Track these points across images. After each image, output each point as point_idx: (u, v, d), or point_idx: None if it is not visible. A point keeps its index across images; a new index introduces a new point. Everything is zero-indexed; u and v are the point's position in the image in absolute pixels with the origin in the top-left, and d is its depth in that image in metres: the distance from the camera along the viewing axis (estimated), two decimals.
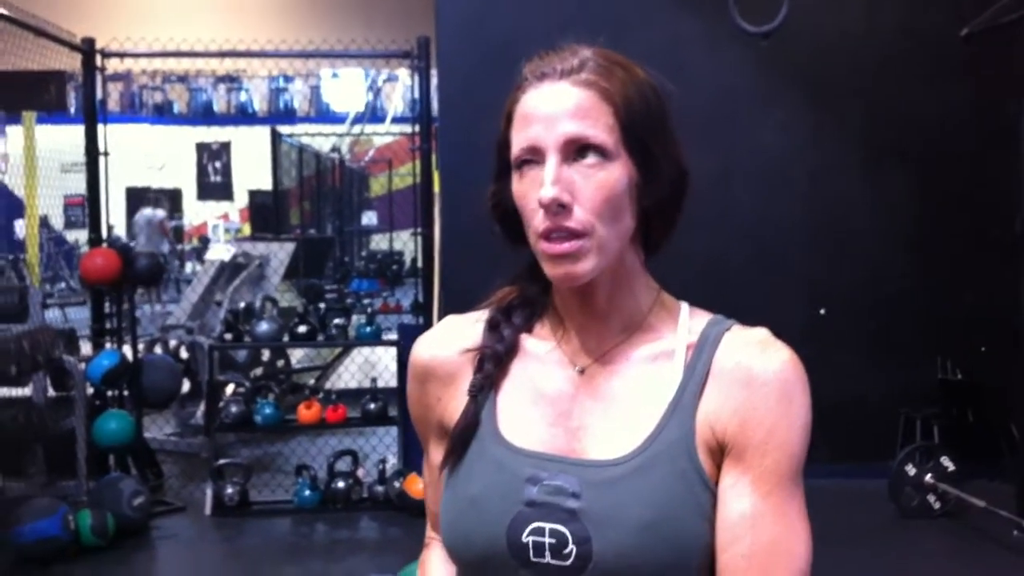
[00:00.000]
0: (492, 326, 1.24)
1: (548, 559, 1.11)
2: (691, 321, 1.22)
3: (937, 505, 5.44)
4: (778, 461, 1.11)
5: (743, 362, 1.15)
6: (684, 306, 1.24)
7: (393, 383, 6.12)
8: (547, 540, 1.11)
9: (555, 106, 1.11)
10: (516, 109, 1.15)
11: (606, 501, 1.10)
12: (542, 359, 1.22)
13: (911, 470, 5.45)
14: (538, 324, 1.25)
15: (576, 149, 1.11)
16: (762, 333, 1.19)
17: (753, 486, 1.11)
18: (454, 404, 1.24)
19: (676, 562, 1.09)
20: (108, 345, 5.95)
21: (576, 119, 1.11)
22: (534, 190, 1.11)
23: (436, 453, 1.27)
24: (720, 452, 1.13)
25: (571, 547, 1.10)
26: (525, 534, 1.11)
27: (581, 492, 1.11)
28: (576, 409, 1.18)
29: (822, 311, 6.26)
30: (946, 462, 5.44)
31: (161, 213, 15.20)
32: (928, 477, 5.43)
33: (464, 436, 1.19)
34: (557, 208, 1.10)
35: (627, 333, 1.19)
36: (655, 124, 1.17)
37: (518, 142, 1.14)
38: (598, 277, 1.14)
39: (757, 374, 1.14)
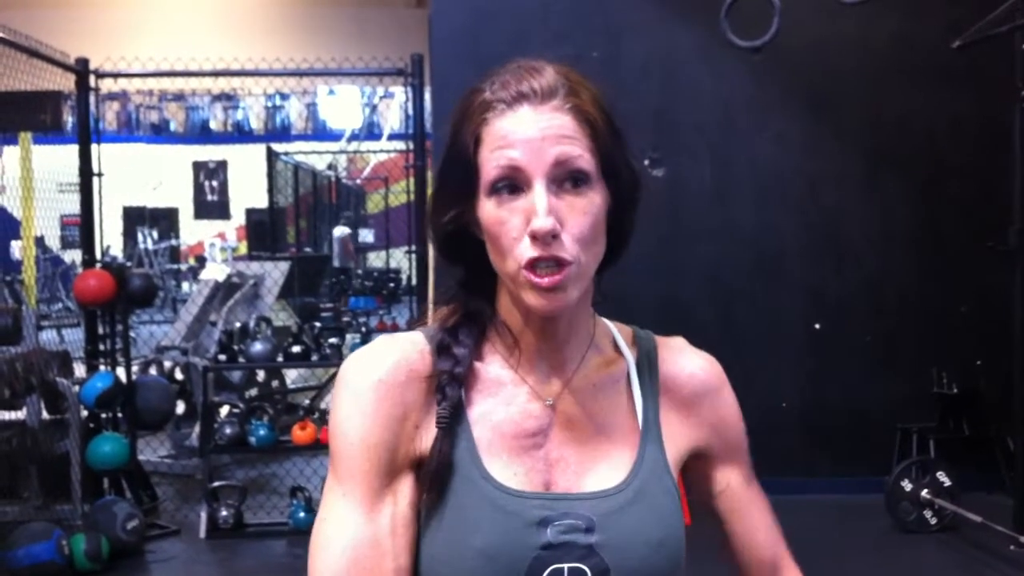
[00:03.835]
0: (442, 348, 1.18)
1: None
2: (622, 337, 1.26)
3: (934, 520, 5.42)
4: (745, 449, 1.29)
5: (695, 375, 1.26)
6: (608, 322, 1.27)
7: None
8: None
9: (540, 131, 1.09)
10: (488, 131, 1.11)
11: (620, 529, 1.12)
12: (508, 390, 1.18)
13: (907, 485, 5.43)
14: (487, 346, 1.21)
15: (562, 175, 1.09)
16: (685, 342, 1.29)
17: (739, 479, 1.29)
18: (428, 436, 1.15)
19: (674, 571, 1.15)
20: (102, 367, 5.93)
21: (563, 145, 1.09)
22: (515, 217, 1.09)
23: (406, 494, 1.14)
24: (692, 458, 1.25)
25: None
26: None
27: (595, 526, 1.11)
28: (552, 442, 1.17)
29: (816, 326, 6.26)
30: (942, 477, 5.43)
31: (347, 231, 15.33)
32: (925, 492, 5.41)
33: (442, 475, 1.11)
34: (550, 238, 1.07)
35: (581, 355, 1.20)
36: (621, 145, 1.16)
37: (495, 165, 1.10)
38: None
39: (709, 383, 1.26)
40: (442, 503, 1.11)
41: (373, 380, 1.14)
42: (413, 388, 1.15)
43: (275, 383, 8.01)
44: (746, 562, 1.30)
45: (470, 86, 1.16)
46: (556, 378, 1.19)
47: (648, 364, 1.23)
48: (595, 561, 1.10)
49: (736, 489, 1.28)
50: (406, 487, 1.14)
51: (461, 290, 1.23)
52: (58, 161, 7.35)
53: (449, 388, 1.14)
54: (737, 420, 1.29)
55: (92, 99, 6.05)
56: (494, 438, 1.15)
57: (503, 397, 1.18)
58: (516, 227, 1.09)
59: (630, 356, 1.23)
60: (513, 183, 1.09)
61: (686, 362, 1.26)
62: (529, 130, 1.09)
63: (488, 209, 1.11)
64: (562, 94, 1.11)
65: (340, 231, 15.20)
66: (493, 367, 1.19)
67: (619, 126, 1.15)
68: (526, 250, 1.08)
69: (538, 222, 1.07)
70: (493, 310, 1.21)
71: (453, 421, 1.14)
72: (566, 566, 1.09)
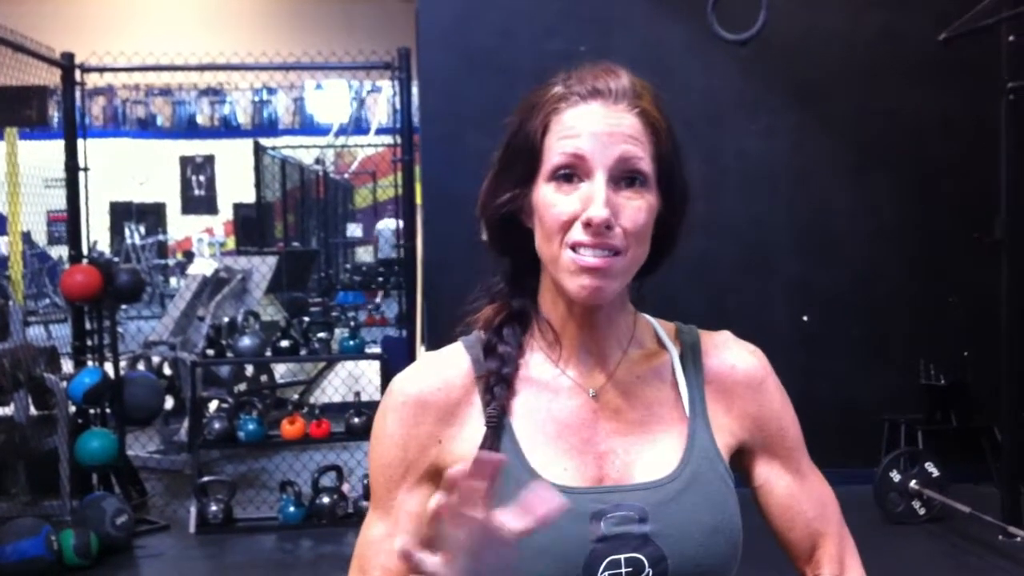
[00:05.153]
0: (489, 349, 1.21)
1: None
2: (664, 332, 1.27)
3: (922, 511, 5.45)
4: (794, 437, 1.27)
5: (738, 367, 1.26)
6: (650, 318, 1.29)
7: (377, 397, 6.06)
8: (623, 571, 1.11)
9: (609, 126, 1.13)
10: (557, 119, 1.15)
11: (674, 517, 1.13)
12: (551, 386, 1.20)
13: (896, 476, 5.45)
14: (528, 345, 1.23)
15: (622, 174, 1.12)
16: (730, 336, 1.29)
17: (785, 467, 1.26)
18: (457, 445, 1.17)
19: (732, 555, 1.16)
20: (90, 362, 5.91)
21: (628, 144, 1.13)
22: (571, 203, 1.12)
23: (416, 501, 1.18)
24: (737, 451, 1.24)
25: (648, 570, 1.11)
26: (601, 570, 1.11)
27: (648, 515, 1.12)
28: (599, 434, 1.18)
29: (804, 318, 6.27)
30: (930, 468, 5.45)
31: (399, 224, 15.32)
32: (913, 483, 5.43)
33: None
34: (603, 229, 1.10)
35: (622, 349, 1.22)
36: (679, 157, 1.20)
37: (560, 151, 1.13)
38: None
39: (752, 374, 1.26)
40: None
41: (397, 403, 1.20)
42: (440, 405, 1.19)
43: (264, 378, 8.00)
44: (788, 552, 1.30)
45: (542, 81, 1.19)
46: (599, 371, 1.21)
47: (692, 356, 1.25)
48: (651, 550, 1.11)
49: (775, 484, 1.26)
50: (416, 498, 1.18)
51: (506, 285, 1.24)
52: (44, 156, 7.31)
53: (497, 388, 1.17)
54: (780, 414, 1.27)
55: (78, 94, 6.03)
56: (540, 435, 1.17)
57: (546, 393, 1.20)
58: (570, 212, 1.12)
59: (673, 349, 1.25)
60: (574, 172, 1.13)
61: (729, 354, 1.26)
62: (598, 124, 1.13)
63: (545, 192, 1.14)
64: (634, 98, 1.16)
65: (388, 223, 15.22)
66: (535, 364, 1.22)
67: (679, 140, 1.19)
68: (576, 234, 1.11)
69: (594, 210, 1.10)
70: (536, 306, 1.23)
71: (499, 421, 1.17)
72: (623, 556, 1.11)
